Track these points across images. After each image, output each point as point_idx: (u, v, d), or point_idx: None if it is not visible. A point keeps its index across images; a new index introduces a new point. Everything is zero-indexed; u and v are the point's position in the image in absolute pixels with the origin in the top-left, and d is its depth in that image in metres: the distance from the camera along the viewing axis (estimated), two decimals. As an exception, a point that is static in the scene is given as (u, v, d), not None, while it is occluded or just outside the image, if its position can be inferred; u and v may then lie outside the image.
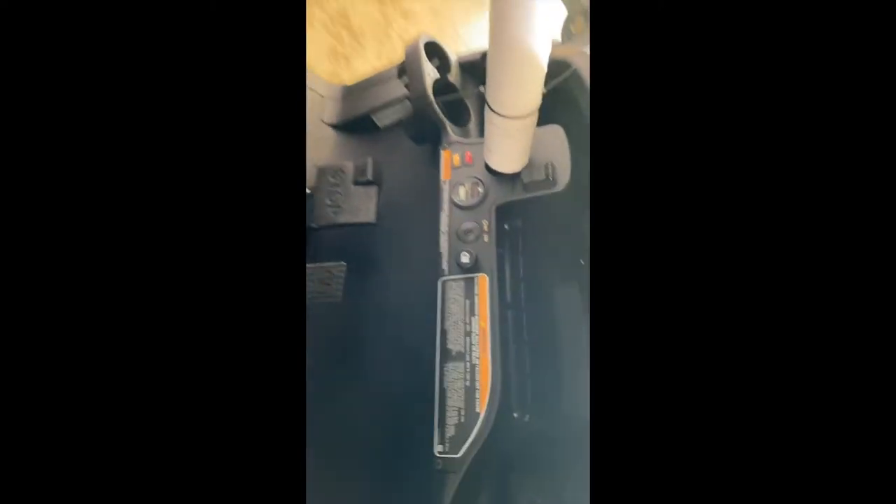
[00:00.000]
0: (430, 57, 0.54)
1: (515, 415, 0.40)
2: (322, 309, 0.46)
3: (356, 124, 0.63)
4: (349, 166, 0.52)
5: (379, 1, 1.26)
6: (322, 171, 0.53)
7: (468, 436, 0.37)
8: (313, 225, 0.50)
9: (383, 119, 0.63)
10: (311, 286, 0.44)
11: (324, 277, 0.44)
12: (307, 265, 0.46)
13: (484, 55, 0.35)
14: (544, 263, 0.46)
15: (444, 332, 0.41)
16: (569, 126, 0.44)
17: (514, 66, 0.34)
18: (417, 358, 0.41)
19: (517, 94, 0.36)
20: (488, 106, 0.39)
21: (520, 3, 0.30)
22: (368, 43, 1.22)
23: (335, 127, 0.64)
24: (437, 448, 0.37)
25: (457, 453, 0.37)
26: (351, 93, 0.67)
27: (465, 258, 0.42)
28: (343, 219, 0.49)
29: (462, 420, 0.37)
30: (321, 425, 0.43)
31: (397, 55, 0.58)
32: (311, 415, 0.43)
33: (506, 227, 0.46)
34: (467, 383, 0.38)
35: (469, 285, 0.42)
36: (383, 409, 0.43)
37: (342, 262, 0.44)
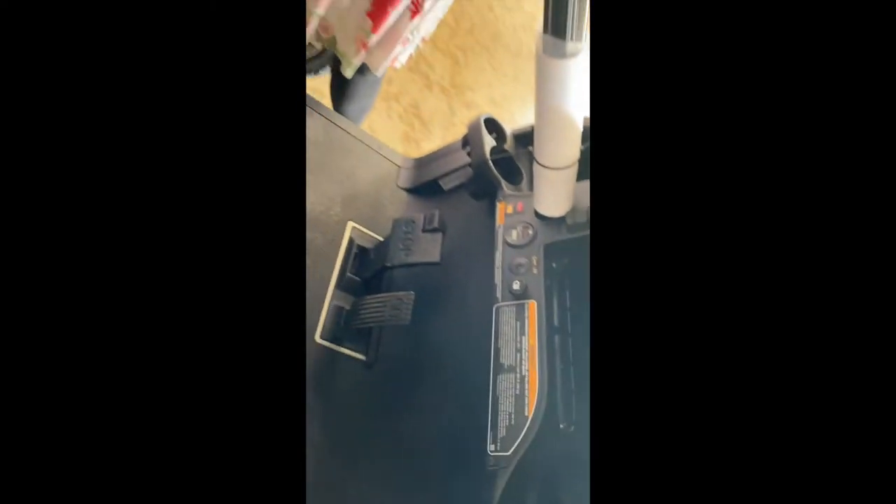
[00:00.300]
0: (489, 131, 0.66)
1: (562, 425, 0.44)
2: (393, 330, 0.54)
3: (425, 188, 0.75)
4: (419, 217, 0.62)
5: (446, 95, 1.45)
6: (396, 222, 0.64)
7: (517, 436, 0.41)
8: (388, 264, 0.59)
9: (448, 183, 0.74)
10: (385, 311, 0.52)
11: (395, 304, 0.52)
12: (382, 294, 0.54)
13: (534, 127, 0.45)
14: (588, 295, 0.52)
15: (497, 350, 0.47)
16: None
17: (554, 125, 0.43)
18: (473, 370, 0.47)
19: (558, 148, 0.45)
20: (535, 160, 0.47)
21: (558, 76, 0.39)
22: (436, 130, 1.40)
23: (407, 190, 0.75)
24: (490, 447, 0.42)
25: (507, 451, 0.41)
26: (421, 163, 0.79)
27: (516, 285, 0.49)
28: (412, 259, 0.58)
29: (512, 423, 0.42)
30: (392, 426, 0.49)
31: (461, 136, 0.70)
32: (384, 416, 0.50)
33: (553, 265, 0.53)
34: (517, 392, 0.44)
35: (520, 310, 0.48)
36: (444, 414, 0.48)
37: (411, 292, 0.52)
